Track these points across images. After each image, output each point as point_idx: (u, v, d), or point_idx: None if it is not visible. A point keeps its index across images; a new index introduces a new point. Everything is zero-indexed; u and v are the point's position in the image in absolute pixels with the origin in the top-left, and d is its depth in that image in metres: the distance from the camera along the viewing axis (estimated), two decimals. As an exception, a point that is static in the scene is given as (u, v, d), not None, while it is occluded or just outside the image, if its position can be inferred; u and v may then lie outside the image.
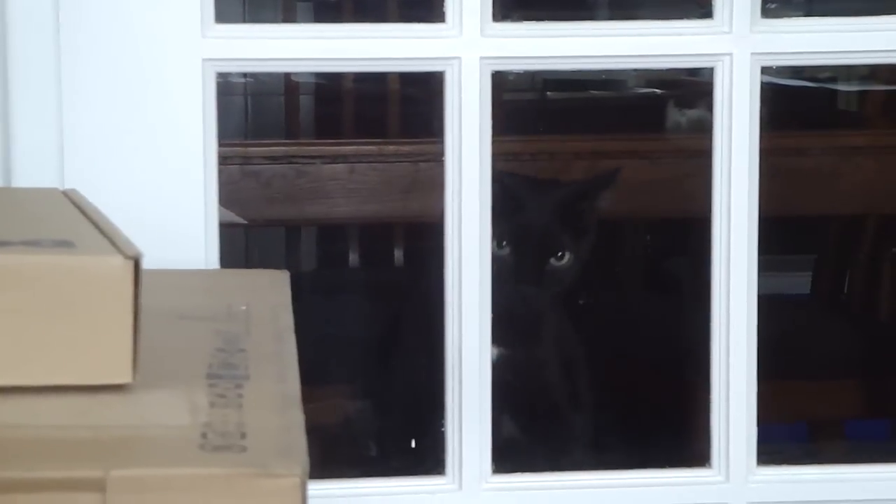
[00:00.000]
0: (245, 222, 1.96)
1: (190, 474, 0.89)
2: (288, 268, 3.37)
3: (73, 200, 1.18)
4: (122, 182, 1.42)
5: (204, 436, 0.93)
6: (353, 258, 3.06)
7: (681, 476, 1.55)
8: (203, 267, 1.45)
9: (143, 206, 1.42)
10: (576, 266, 1.89)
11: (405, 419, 1.93)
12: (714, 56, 1.48)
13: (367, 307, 2.64)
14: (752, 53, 1.47)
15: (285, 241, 3.16)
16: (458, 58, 1.45)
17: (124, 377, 0.99)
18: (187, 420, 0.96)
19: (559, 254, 1.88)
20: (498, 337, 1.50)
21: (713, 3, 1.47)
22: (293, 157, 2.38)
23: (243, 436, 0.93)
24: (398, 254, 2.99)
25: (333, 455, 2.12)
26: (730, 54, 1.47)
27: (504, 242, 1.85)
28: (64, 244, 1.01)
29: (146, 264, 1.02)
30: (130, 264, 0.99)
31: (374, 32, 1.46)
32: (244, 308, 1.22)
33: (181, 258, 1.42)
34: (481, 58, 1.45)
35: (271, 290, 1.29)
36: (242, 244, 3.29)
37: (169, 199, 1.43)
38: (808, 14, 3.62)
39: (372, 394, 2.21)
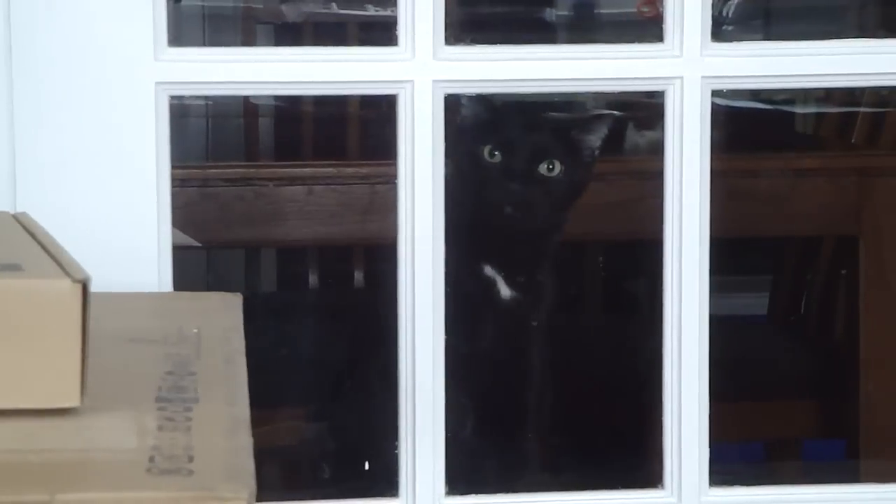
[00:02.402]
0: (199, 245, 1.96)
1: (136, 497, 0.89)
2: (247, 290, 3.36)
3: (22, 224, 1.18)
4: (76, 205, 1.42)
5: (151, 459, 0.93)
6: (313, 280, 3.06)
7: (634, 497, 1.56)
8: (157, 290, 1.45)
9: (97, 229, 1.42)
10: (565, 190, 1.90)
11: (361, 441, 1.93)
12: (665, 79, 1.49)
13: (326, 329, 2.65)
14: (703, 77, 1.49)
15: (244, 263, 3.16)
16: (411, 81, 1.46)
17: (72, 401, 0.99)
18: (135, 443, 0.97)
19: (550, 165, 1.88)
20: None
21: (664, 26, 1.48)
22: (251, 179, 2.38)
23: (191, 459, 0.94)
24: (358, 276, 3.00)
25: (289, 477, 2.13)
26: (680, 77, 1.49)
27: (495, 152, 1.86)
28: (12, 267, 1.01)
29: (98, 287, 1.02)
30: (78, 288, 0.99)
31: (327, 56, 1.47)
32: (195, 331, 1.22)
33: (135, 281, 1.42)
34: (434, 81, 1.46)
35: (223, 313, 1.30)
36: (203, 266, 3.28)
37: (122, 222, 1.43)
38: (767, 36, 3.66)
39: (329, 416, 2.21)
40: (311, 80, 1.45)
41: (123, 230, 1.42)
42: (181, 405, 1.03)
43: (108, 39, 1.40)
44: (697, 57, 1.48)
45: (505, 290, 1.92)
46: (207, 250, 2.97)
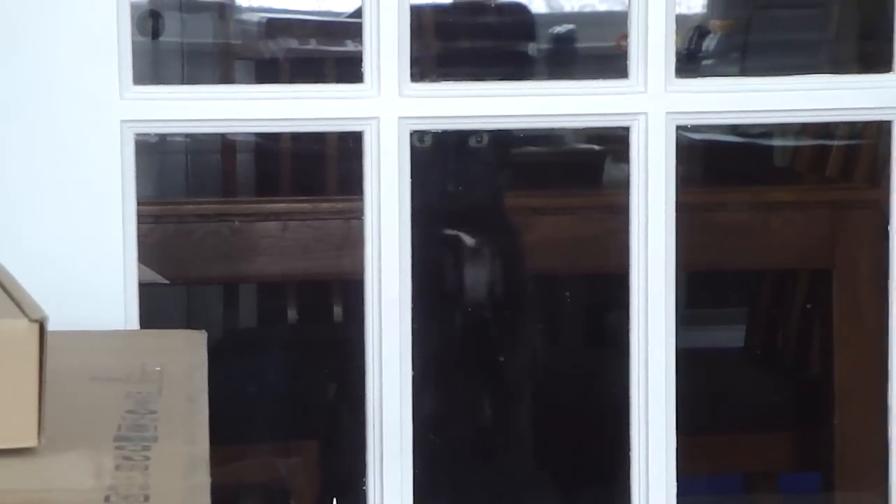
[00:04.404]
0: (167, 282, 1.97)
1: (91, 538, 0.89)
2: (226, 325, 3.36)
3: (-18, 263, 1.18)
4: (41, 243, 1.42)
5: (107, 499, 0.93)
6: (292, 315, 3.06)
7: (602, 531, 1.56)
8: (123, 326, 1.45)
9: (63, 266, 1.42)
10: (495, 156, 1.90)
11: (332, 475, 1.94)
12: (630, 115, 1.50)
13: (304, 364, 2.65)
14: (668, 112, 1.50)
15: (223, 298, 3.16)
16: (377, 118, 1.46)
17: (30, 441, 0.99)
18: (91, 483, 0.97)
19: (478, 138, 1.90)
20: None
21: (629, 63, 1.49)
22: (227, 214, 2.39)
23: (146, 498, 0.94)
24: (337, 310, 3.00)
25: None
26: (645, 113, 1.49)
27: (424, 138, 1.88)
28: (-33, 307, 1.01)
29: (63, 325, 1.02)
30: (35, 327, 0.99)
31: (292, 93, 1.47)
32: (158, 369, 1.22)
33: (100, 318, 1.42)
34: (399, 118, 1.47)
35: (187, 351, 1.30)
36: (184, 303, 3.28)
37: (88, 259, 1.43)
38: (744, 70, 3.67)
39: (306, 450, 2.21)
40: (275, 117, 1.46)
41: (89, 267, 1.42)
42: (140, 444, 1.03)
43: (72, 78, 1.40)
44: (662, 93, 1.49)
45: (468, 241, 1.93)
46: (189, 287, 2.97)
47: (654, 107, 1.49)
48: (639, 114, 1.49)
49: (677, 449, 1.59)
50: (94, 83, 1.41)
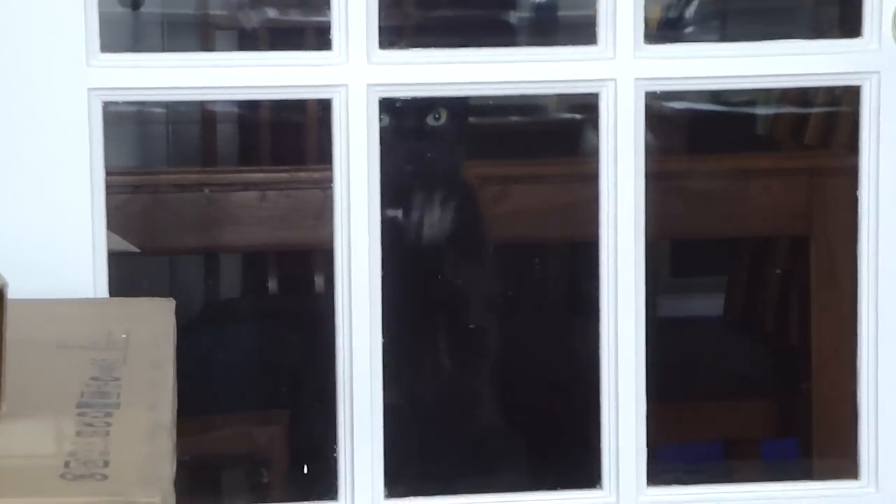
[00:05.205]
0: (137, 251, 1.96)
1: (48, 503, 0.90)
2: (206, 296, 3.35)
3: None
4: (6, 212, 1.42)
5: (67, 465, 0.93)
6: (273, 286, 3.05)
7: (573, 497, 1.56)
8: (92, 295, 1.45)
9: (29, 236, 1.42)
10: (454, 133, 1.92)
11: (305, 444, 1.94)
12: (598, 81, 1.50)
13: (284, 334, 2.64)
14: (636, 79, 1.49)
15: (203, 269, 3.15)
16: (345, 85, 1.46)
17: (-10, 408, 0.99)
18: (52, 449, 0.97)
19: (436, 114, 1.90)
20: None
21: (597, 29, 1.49)
22: (204, 184, 2.38)
23: (106, 464, 0.94)
24: (318, 280, 2.99)
25: (231, 482, 2.13)
26: (613, 80, 1.49)
27: (381, 116, 1.89)
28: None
29: (30, 294, 1.02)
30: (-6, 294, 0.99)
31: (261, 61, 1.47)
32: (124, 336, 1.22)
33: (69, 287, 1.42)
34: (368, 85, 1.46)
35: (154, 319, 1.30)
36: (166, 273, 3.28)
37: (56, 228, 1.43)
38: (724, 37, 3.67)
39: (281, 421, 2.21)
40: (243, 84, 1.46)
41: (57, 236, 1.42)
42: (102, 410, 1.04)
43: (38, 46, 1.40)
44: (630, 59, 1.49)
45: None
46: (171, 257, 2.96)
47: (623, 73, 1.49)
48: (607, 80, 1.49)
49: (658, 416, 1.60)
50: (59, 52, 1.41)
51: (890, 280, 1.58)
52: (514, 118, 3.71)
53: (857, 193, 1.57)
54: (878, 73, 1.53)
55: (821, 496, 1.60)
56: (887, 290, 1.59)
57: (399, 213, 1.98)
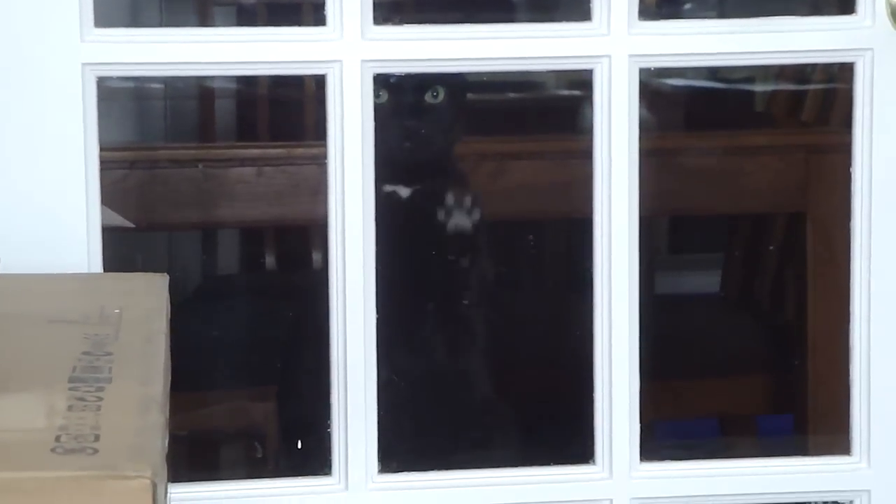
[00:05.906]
0: (132, 226, 1.96)
1: (39, 477, 0.90)
2: (202, 271, 3.35)
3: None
4: (2, 187, 1.42)
5: (58, 439, 0.94)
6: (271, 262, 3.06)
7: (566, 473, 1.57)
8: (86, 270, 1.45)
9: (23, 211, 1.42)
10: (452, 110, 1.92)
11: (299, 420, 1.94)
12: (592, 58, 1.50)
13: (282, 310, 2.65)
14: (630, 55, 1.49)
15: (200, 245, 3.15)
16: (339, 61, 1.46)
17: (-19, 382, 0.99)
18: (43, 424, 0.97)
19: (434, 92, 1.90)
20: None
21: (591, 5, 1.49)
22: (201, 160, 2.38)
23: (97, 438, 0.94)
24: (316, 257, 2.99)
25: (225, 457, 2.13)
26: (608, 56, 1.49)
27: (379, 92, 1.90)
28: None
29: (23, 269, 1.02)
30: (-17, 268, 1.00)
31: (255, 36, 1.47)
32: (117, 311, 1.22)
33: (63, 262, 1.42)
34: (362, 61, 1.46)
35: (147, 294, 1.30)
36: (165, 249, 3.28)
37: (50, 203, 1.43)
38: (722, 14, 3.66)
39: (279, 396, 2.21)
40: (237, 60, 1.46)
41: (51, 211, 1.42)
42: (94, 385, 1.04)
43: (33, 20, 1.40)
44: (625, 35, 1.49)
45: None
46: (169, 233, 2.97)
47: (617, 49, 1.49)
48: (602, 56, 1.49)
49: (655, 393, 1.60)
50: (52, 26, 1.40)
51: (882, 258, 1.58)
52: (513, 95, 3.70)
53: (851, 170, 1.57)
54: (871, 49, 1.53)
55: (813, 472, 1.60)
56: (880, 267, 1.59)
57: (397, 190, 1.98)
